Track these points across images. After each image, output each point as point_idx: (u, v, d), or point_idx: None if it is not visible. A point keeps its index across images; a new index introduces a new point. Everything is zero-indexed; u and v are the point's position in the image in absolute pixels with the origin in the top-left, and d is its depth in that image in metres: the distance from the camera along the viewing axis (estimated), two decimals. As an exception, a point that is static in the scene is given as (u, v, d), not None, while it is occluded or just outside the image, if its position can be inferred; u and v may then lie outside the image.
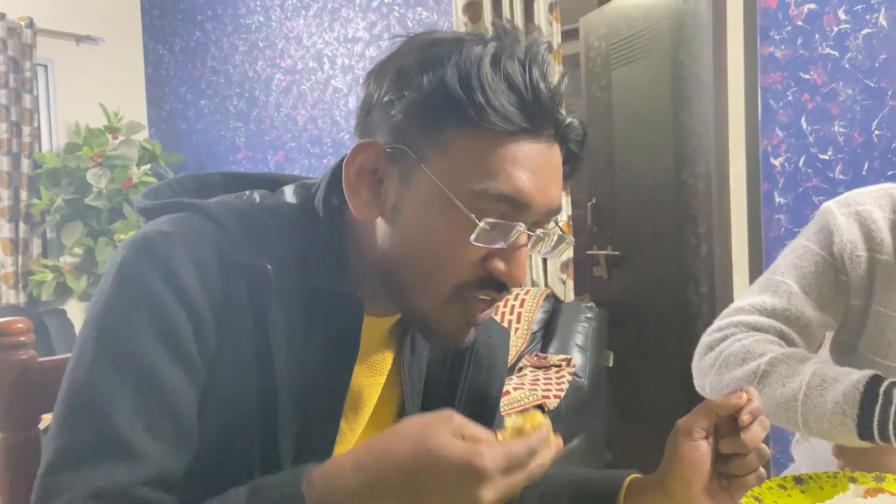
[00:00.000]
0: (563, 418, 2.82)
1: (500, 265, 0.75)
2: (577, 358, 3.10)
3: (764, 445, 0.82)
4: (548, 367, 3.01)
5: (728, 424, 0.82)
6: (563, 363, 3.03)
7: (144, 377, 0.70)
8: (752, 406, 0.81)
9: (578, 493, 0.88)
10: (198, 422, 0.74)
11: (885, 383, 1.08)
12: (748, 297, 1.33)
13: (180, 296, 0.71)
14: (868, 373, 1.11)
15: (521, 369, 3.03)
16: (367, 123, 0.78)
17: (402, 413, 0.91)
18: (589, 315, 3.23)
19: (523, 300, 3.28)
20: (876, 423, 1.06)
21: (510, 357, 3.03)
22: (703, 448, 0.81)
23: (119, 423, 0.68)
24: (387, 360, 0.88)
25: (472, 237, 0.71)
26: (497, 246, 0.73)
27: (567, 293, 3.41)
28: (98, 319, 0.72)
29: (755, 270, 2.92)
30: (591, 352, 3.16)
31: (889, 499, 0.96)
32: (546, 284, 3.42)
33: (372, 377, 0.87)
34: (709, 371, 1.30)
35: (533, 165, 0.73)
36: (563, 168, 0.78)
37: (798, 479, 1.15)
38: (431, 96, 0.72)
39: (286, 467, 0.76)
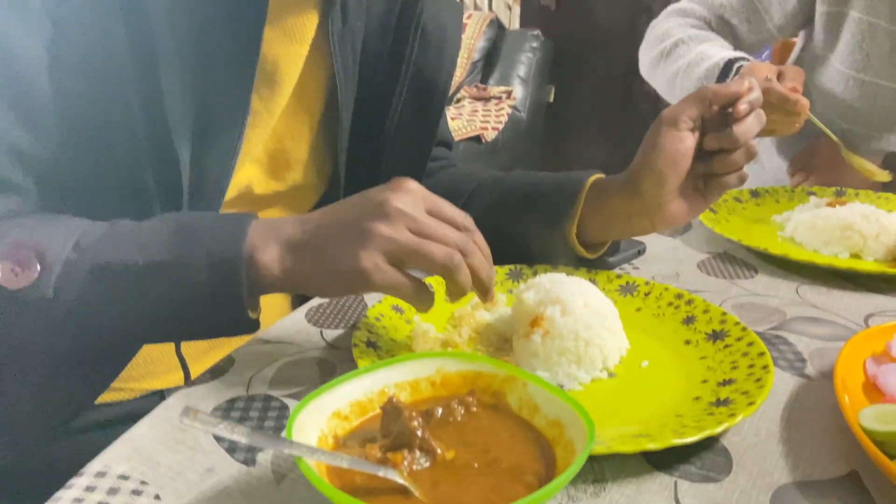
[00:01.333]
0: (500, 151, 2.74)
1: None
2: (518, 91, 2.95)
3: (754, 142, 0.71)
4: (487, 99, 2.86)
5: (717, 120, 0.70)
6: (504, 95, 2.88)
7: None
8: (752, 96, 0.68)
9: (534, 195, 0.78)
10: (53, 87, 0.58)
11: (742, 62, 1.09)
12: None
13: None
14: (737, 53, 1.12)
15: (459, 100, 2.87)
16: None
17: (333, 95, 0.76)
18: (534, 45, 3.02)
19: (465, 25, 3.01)
20: None
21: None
22: (687, 140, 0.69)
23: None
24: (308, 25, 0.71)
25: None
26: None
27: (512, 21, 3.15)
28: None
29: None
30: (533, 85, 3.01)
31: (858, 206, 0.90)
32: (490, 9, 3.14)
33: (289, 46, 0.70)
34: (645, 51, 1.33)
35: None
36: None
37: (754, 193, 1.09)
38: None
39: (183, 154, 0.63)
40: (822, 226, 0.89)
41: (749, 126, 0.69)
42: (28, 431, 0.68)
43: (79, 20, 0.57)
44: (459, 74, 2.92)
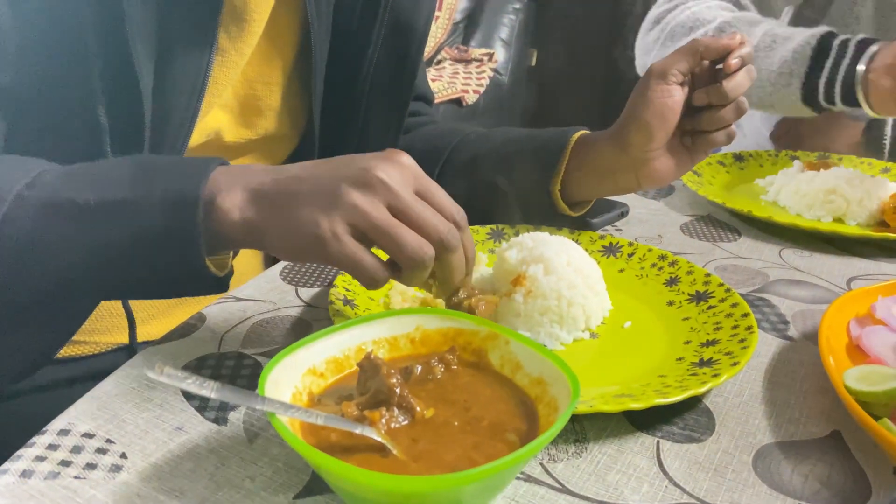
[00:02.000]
0: (481, 115, 2.70)
1: None
2: (500, 53, 2.90)
3: (743, 98, 0.69)
4: (468, 61, 2.81)
5: (707, 73, 0.68)
6: (485, 58, 2.83)
7: None
8: (744, 50, 0.67)
9: (519, 150, 0.75)
10: (11, 24, 0.54)
11: (840, 38, 0.97)
12: None
13: None
14: (823, 29, 1.00)
15: (440, 62, 2.82)
16: None
17: (307, 42, 0.73)
18: (516, 6, 2.97)
19: (446, -14, 2.95)
20: (824, 80, 0.97)
21: (428, 49, 2.81)
22: (676, 93, 0.67)
23: None
24: (278, -35, 0.67)
25: None
26: None
27: (494, -19, 3.08)
28: None
29: (700, -37, 2.68)
30: (515, 48, 2.96)
31: (842, 170, 0.89)
32: (472, -30, 3.07)
33: None
34: (652, 46, 1.17)
35: None
36: None
37: (738, 157, 1.08)
38: None
39: (145, 85, 0.59)
40: (805, 189, 0.89)
41: (739, 81, 0.67)
42: None
43: None
44: (441, 35, 2.86)
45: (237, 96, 0.72)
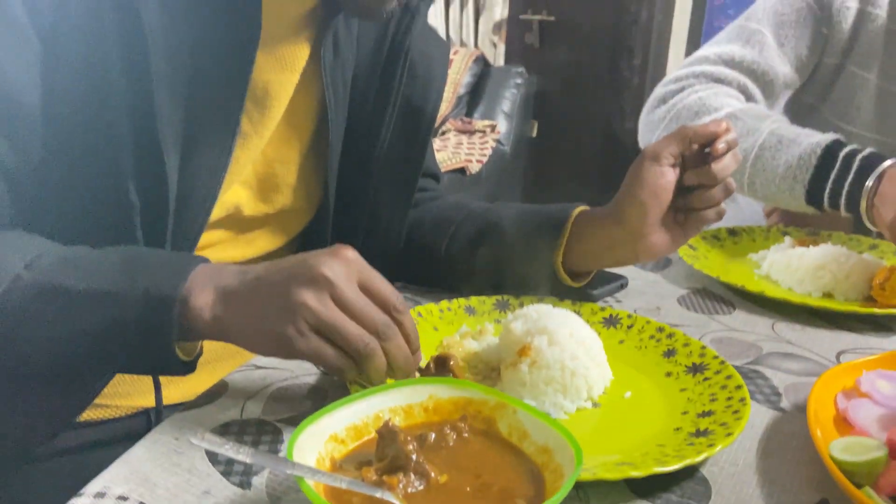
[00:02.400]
0: (484, 183, 2.78)
1: None
2: (502, 125, 3.00)
3: (731, 179, 0.74)
4: (472, 132, 2.90)
5: (697, 156, 0.74)
6: (488, 129, 2.93)
7: None
8: (730, 136, 0.73)
9: (522, 225, 0.80)
10: (43, 105, 0.60)
11: (847, 149, 0.98)
12: (715, 46, 1.21)
13: None
14: (829, 136, 1.01)
15: (445, 133, 2.92)
16: None
17: (323, 123, 0.79)
18: (518, 82, 3.09)
19: (451, 61, 3.07)
20: (828, 190, 0.98)
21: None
22: (668, 175, 0.73)
23: None
24: (300, 55, 0.73)
25: None
26: None
27: (497, 57, 3.22)
28: None
29: (693, 42, 2.81)
30: (517, 119, 3.07)
31: (829, 247, 0.94)
32: (476, 46, 3.20)
33: (281, 73, 0.73)
34: (658, 125, 1.20)
35: None
36: None
37: (731, 231, 1.13)
38: None
39: (171, 166, 0.64)
40: (796, 265, 0.93)
41: (726, 164, 0.73)
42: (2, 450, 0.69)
43: (70, 36, 0.59)
44: (445, 108, 2.97)
45: (256, 174, 0.77)
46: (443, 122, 2.95)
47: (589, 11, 3.20)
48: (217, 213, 0.73)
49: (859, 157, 0.96)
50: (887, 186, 0.91)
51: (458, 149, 2.76)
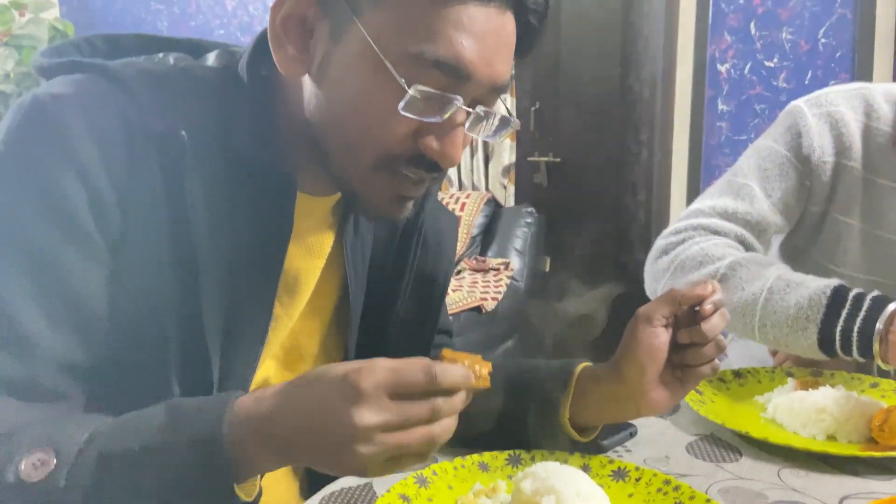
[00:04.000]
0: (500, 320, 2.84)
1: (432, 143, 0.68)
2: (515, 262, 3.10)
3: (722, 337, 0.80)
4: (486, 271, 3.00)
5: (688, 316, 0.80)
6: (502, 267, 3.03)
7: (36, 260, 0.63)
8: (716, 297, 0.79)
9: (525, 382, 0.86)
10: (108, 308, 0.67)
11: (854, 291, 1.02)
12: (708, 199, 1.28)
13: (72, 166, 0.63)
14: (835, 281, 1.05)
15: (460, 272, 3.02)
16: None
17: (345, 297, 0.86)
18: (528, 220, 3.22)
19: (464, 204, 3.23)
20: (839, 330, 1.00)
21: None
22: (662, 335, 0.78)
23: (14, 311, 0.62)
24: (326, 242, 0.82)
25: (401, 106, 0.64)
26: (431, 120, 0.66)
27: (507, 198, 3.38)
28: None
29: (693, 179, 2.94)
30: (529, 256, 3.17)
31: (828, 391, 0.97)
32: (487, 189, 3.37)
33: (310, 260, 0.81)
34: (663, 275, 1.25)
35: (478, 31, 0.65)
36: (516, 41, 0.70)
37: (737, 374, 1.16)
38: None
39: (214, 356, 0.70)
40: (798, 408, 0.96)
41: (715, 323, 0.78)
42: None
43: (133, 245, 0.66)
44: (459, 248, 3.09)
45: (283, 347, 0.83)
46: (457, 262, 3.06)
47: (593, 152, 3.38)
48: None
49: (868, 297, 0.99)
50: None
51: (473, 287, 2.85)
